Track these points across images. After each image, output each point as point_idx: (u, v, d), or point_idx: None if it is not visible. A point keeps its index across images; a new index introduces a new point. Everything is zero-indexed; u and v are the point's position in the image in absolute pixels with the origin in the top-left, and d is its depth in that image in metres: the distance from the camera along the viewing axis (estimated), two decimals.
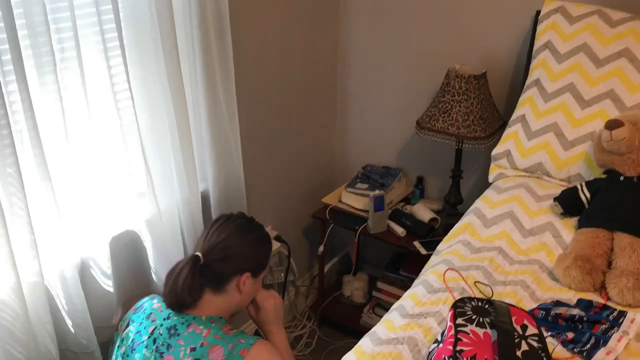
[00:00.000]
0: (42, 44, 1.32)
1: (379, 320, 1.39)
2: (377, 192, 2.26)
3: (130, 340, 1.50)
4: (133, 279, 1.75)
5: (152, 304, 1.54)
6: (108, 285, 1.64)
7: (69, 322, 1.53)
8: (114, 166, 1.61)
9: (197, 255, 1.51)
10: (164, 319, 1.47)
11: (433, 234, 2.26)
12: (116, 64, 1.51)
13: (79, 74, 1.43)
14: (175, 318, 1.47)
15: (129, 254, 1.71)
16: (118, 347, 1.54)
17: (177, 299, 1.48)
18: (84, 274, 1.61)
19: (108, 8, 1.44)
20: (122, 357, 1.50)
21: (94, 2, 1.42)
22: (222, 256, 1.51)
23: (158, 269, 1.75)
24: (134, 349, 1.47)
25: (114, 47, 1.49)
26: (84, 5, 1.42)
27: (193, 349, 1.41)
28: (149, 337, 1.46)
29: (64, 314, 1.52)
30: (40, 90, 1.37)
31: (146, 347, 1.45)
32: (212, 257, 1.51)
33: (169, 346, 1.43)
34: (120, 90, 1.54)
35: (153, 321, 1.48)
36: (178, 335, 1.44)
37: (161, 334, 1.45)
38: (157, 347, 1.44)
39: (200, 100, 1.77)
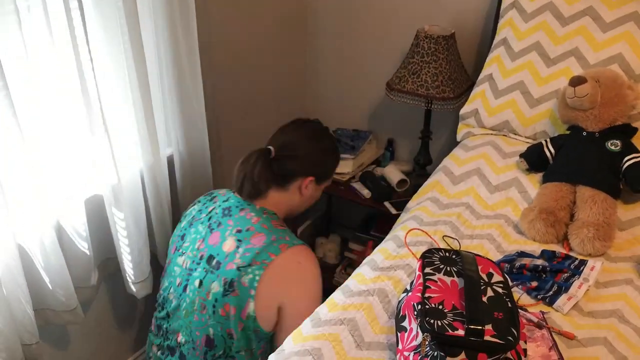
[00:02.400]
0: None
1: None
2: None
3: (191, 216, 1.63)
4: (107, 240, 1.74)
5: (219, 190, 1.67)
6: (84, 246, 1.63)
7: (47, 280, 1.53)
8: (81, 130, 1.58)
9: (269, 149, 1.57)
10: (224, 201, 1.59)
11: (404, 194, 2.29)
12: (78, 23, 1.47)
13: (46, 27, 1.40)
14: (232, 201, 1.58)
15: (101, 217, 1.70)
16: (180, 222, 1.67)
17: (252, 186, 1.54)
18: (61, 235, 1.60)
19: None
20: (181, 230, 1.64)
21: None
22: (292, 154, 1.57)
23: (128, 234, 1.74)
24: (192, 224, 1.60)
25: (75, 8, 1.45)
26: None
27: (239, 231, 1.50)
28: (207, 215, 1.59)
29: (42, 273, 1.52)
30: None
31: (201, 222, 1.58)
32: (282, 152, 1.57)
33: (219, 224, 1.54)
34: (84, 52, 1.51)
35: (214, 202, 1.61)
36: (230, 216, 1.54)
37: (217, 213, 1.57)
38: (210, 224, 1.56)
39: (163, 66, 1.74)
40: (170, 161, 1.89)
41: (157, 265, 1.90)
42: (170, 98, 1.79)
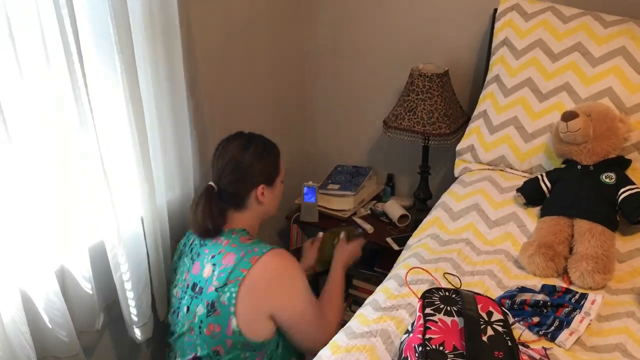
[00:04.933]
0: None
1: None
2: (310, 183, 2.36)
3: (180, 250, 1.77)
4: (111, 285, 1.76)
5: None
6: (88, 288, 1.64)
7: (49, 326, 1.54)
8: (82, 177, 1.60)
9: (210, 185, 1.66)
10: None
11: (405, 229, 2.30)
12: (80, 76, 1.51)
13: (49, 80, 1.42)
14: None
15: (105, 262, 1.71)
16: (173, 256, 1.83)
17: (202, 229, 1.63)
18: (64, 280, 1.61)
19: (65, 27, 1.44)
20: (173, 264, 1.79)
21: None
22: (232, 178, 1.65)
23: (128, 278, 1.75)
24: (180, 257, 1.74)
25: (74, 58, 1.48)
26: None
27: (213, 256, 1.61)
28: (189, 247, 1.71)
29: (44, 318, 1.53)
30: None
31: (186, 255, 1.71)
32: (223, 182, 1.65)
33: (198, 254, 1.65)
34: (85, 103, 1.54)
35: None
36: (205, 245, 1.65)
37: (196, 244, 1.69)
38: (192, 256, 1.68)
39: (163, 115, 1.78)
40: (173, 206, 1.92)
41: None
42: (170, 145, 1.83)
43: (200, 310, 1.58)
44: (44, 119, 1.46)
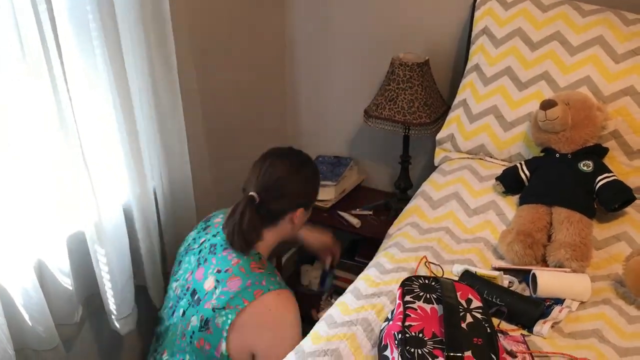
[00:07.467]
0: None
1: None
2: None
3: (188, 243, 1.71)
4: (91, 277, 1.74)
5: (216, 217, 1.71)
6: (67, 283, 1.62)
7: (26, 318, 1.52)
8: (61, 168, 1.58)
9: (253, 195, 1.56)
10: (213, 236, 1.63)
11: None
12: (57, 63, 1.48)
13: (22, 62, 1.38)
14: (219, 238, 1.61)
15: (84, 254, 1.69)
16: (180, 245, 1.76)
17: (244, 240, 1.54)
18: (42, 272, 1.59)
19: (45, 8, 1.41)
20: (179, 255, 1.73)
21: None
22: (278, 195, 1.57)
23: (110, 270, 1.73)
24: (187, 252, 1.69)
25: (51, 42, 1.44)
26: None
27: (218, 271, 1.54)
28: (199, 246, 1.64)
29: (22, 311, 1.50)
30: None
31: (193, 253, 1.65)
32: (267, 196, 1.56)
33: (205, 260, 1.59)
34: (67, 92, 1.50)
35: (206, 234, 1.66)
36: (214, 253, 1.58)
37: (205, 248, 1.62)
38: (199, 258, 1.62)
39: (144, 103, 1.75)
40: (159, 193, 1.90)
41: (144, 300, 1.90)
42: (153, 134, 1.80)
43: (194, 321, 1.53)
44: (18, 107, 1.42)
